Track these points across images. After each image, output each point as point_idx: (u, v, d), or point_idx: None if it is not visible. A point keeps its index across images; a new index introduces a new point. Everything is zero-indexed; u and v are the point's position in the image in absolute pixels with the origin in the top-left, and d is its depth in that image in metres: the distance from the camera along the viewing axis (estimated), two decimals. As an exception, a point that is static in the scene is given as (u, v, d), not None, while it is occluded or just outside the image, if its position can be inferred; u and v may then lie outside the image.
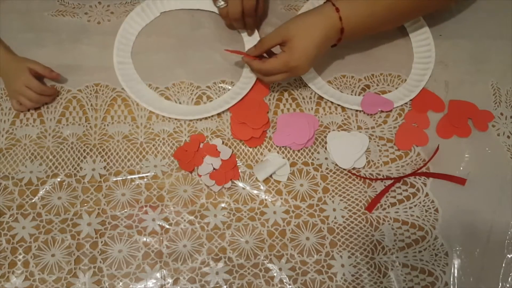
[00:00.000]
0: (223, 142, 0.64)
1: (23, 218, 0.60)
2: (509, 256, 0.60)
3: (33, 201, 0.61)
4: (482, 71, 0.70)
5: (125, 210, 0.61)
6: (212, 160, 0.62)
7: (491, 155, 0.65)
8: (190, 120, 0.65)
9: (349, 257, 0.60)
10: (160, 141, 0.64)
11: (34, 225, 0.60)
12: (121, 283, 0.58)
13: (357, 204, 0.62)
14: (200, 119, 0.65)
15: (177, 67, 0.68)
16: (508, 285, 0.59)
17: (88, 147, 0.63)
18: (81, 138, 0.64)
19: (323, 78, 0.69)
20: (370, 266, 0.60)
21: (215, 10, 0.71)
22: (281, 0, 0.73)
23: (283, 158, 0.64)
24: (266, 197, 0.62)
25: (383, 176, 0.64)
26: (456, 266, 0.60)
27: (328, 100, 0.67)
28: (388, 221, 0.62)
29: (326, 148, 0.65)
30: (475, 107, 0.67)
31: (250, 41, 0.69)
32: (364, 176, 0.64)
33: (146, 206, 0.61)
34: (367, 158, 0.64)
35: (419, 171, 0.63)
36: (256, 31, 0.69)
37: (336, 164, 0.64)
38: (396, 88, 0.69)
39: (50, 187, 0.61)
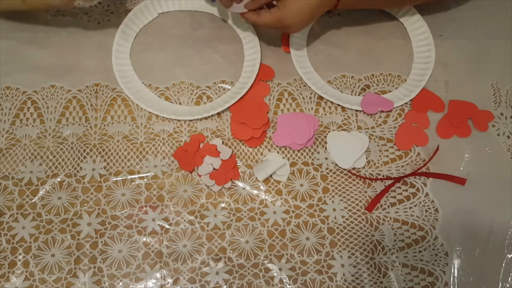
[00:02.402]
0: (223, 142, 0.64)
1: (23, 218, 0.60)
2: (509, 256, 0.60)
3: (33, 201, 0.61)
4: (482, 71, 0.70)
5: (125, 210, 0.61)
6: (212, 160, 0.62)
7: (491, 155, 0.65)
8: (190, 120, 0.65)
9: (349, 257, 0.60)
10: (160, 141, 0.64)
11: (34, 225, 0.60)
12: (121, 283, 0.58)
13: (357, 204, 0.62)
14: (200, 119, 0.65)
15: (177, 67, 0.68)
16: (508, 285, 0.59)
17: (88, 147, 0.63)
18: (81, 138, 0.64)
19: (323, 78, 0.69)
20: (370, 266, 0.60)
21: (214, 11, 0.71)
22: None
23: (283, 158, 0.64)
24: (266, 197, 0.62)
25: (383, 176, 0.64)
26: (456, 266, 0.60)
27: (328, 100, 0.67)
28: (388, 221, 0.62)
29: (326, 148, 0.65)
30: (475, 107, 0.67)
31: (249, 42, 0.69)
32: (364, 176, 0.64)
33: (146, 206, 0.61)
34: (367, 158, 0.64)
35: (419, 171, 0.63)
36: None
37: (336, 164, 0.64)
38: (396, 88, 0.69)
39: (50, 187, 0.61)
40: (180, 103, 0.66)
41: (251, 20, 0.61)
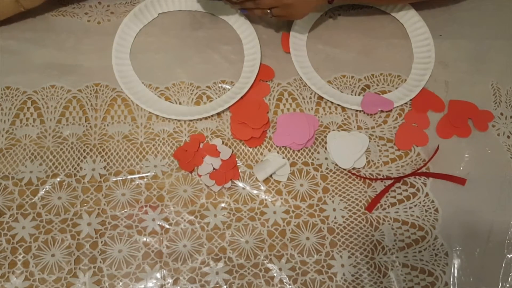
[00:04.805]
0: (223, 142, 0.64)
1: (23, 218, 0.60)
2: (509, 256, 0.60)
3: (33, 201, 0.61)
4: (482, 71, 0.70)
5: (125, 210, 0.61)
6: (212, 160, 0.62)
7: (491, 155, 0.65)
8: (190, 120, 0.65)
9: (349, 257, 0.60)
10: (160, 141, 0.64)
11: (34, 225, 0.60)
12: (121, 283, 0.58)
13: (357, 204, 0.62)
14: (200, 119, 0.65)
15: (177, 67, 0.68)
16: (508, 285, 0.59)
17: (88, 147, 0.63)
18: (81, 138, 0.64)
19: (323, 78, 0.69)
20: (370, 266, 0.60)
21: (214, 11, 0.71)
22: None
23: (283, 158, 0.64)
24: (266, 197, 0.62)
25: (383, 176, 0.64)
26: (456, 266, 0.60)
27: (328, 100, 0.67)
28: (388, 221, 0.62)
29: (326, 148, 0.65)
30: (475, 107, 0.67)
31: (249, 42, 0.69)
32: (364, 176, 0.64)
33: (146, 206, 0.61)
34: (367, 158, 0.64)
35: (419, 171, 0.63)
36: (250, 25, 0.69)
37: (336, 164, 0.64)
38: (396, 88, 0.69)
39: (50, 187, 0.61)
40: (180, 103, 0.66)
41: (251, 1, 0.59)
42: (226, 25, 0.71)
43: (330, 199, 0.62)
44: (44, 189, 0.61)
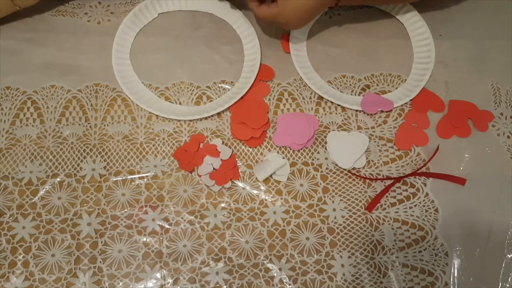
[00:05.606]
0: (223, 142, 0.64)
1: (23, 218, 0.60)
2: (509, 256, 0.60)
3: (33, 201, 0.61)
4: (482, 71, 0.70)
5: (125, 210, 0.61)
6: (212, 160, 0.62)
7: (491, 155, 0.65)
8: (190, 120, 0.65)
9: (349, 257, 0.60)
10: (160, 141, 0.64)
11: (34, 225, 0.60)
12: (121, 283, 0.58)
13: (357, 204, 0.62)
14: (200, 119, 0.65)
15: (177, 67, 0.68)
16: (508, 285, 0.59)
17: (88, 147, 0.63)
18: (81, 138, 0.64)
19: (323, 78, 0.69)
20: (370, 266, 0.60)
21: (214, 11, 0.71)
22: None
23: (283, 158, 0.64)
24: (266, 197, 0.62)
25: (383, 176, 0.64)
26: (456, 266, 0.60)
27: (328, 100, 0.67)
28: (388, 221, 0.62)
29: (326, 148, 0.65)
30: (475, 107, 0.67)
31: (249, 42, 0.69)
32: (364, 176, 0.64)
33: (146, 206, 0.61)
34: (367, 158, 0.64)
35: (419, 171, 0.63)
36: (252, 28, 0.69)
37: (336, 164, 0.64)
38: (396, 88, 0.69)
39: (50, 187, 0.61)
40: (180, 103, 0.66)
41: (250, 7, 0.61)
42: (226, 25, 0.71)
43: (330, 199, 0.62)
44: (44, 189, 0.61)
